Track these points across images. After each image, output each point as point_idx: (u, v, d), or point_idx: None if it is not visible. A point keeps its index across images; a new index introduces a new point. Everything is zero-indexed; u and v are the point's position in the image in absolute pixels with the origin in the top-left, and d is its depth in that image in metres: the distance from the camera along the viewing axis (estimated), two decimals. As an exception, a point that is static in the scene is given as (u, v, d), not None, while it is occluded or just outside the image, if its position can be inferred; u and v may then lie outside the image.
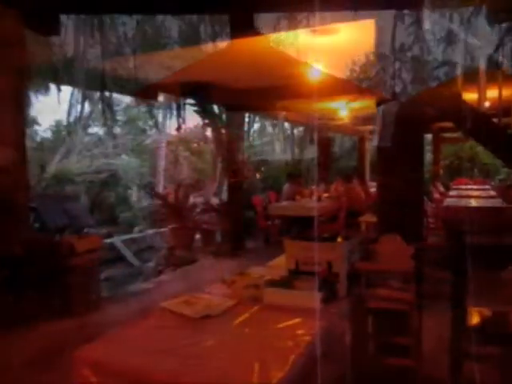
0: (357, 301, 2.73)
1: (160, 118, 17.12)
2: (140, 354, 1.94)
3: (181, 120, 12.99)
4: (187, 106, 12.20)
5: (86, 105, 15.35)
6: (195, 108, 9.37)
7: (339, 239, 2.87)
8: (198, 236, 8.17)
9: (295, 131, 13.09)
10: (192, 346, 1.97)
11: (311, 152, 12.56)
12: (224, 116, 9.07)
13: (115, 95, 14.03)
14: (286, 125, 13.48)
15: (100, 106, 14.24)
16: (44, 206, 7.93)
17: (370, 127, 10.78)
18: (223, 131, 9.37)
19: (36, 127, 15.61)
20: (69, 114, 15.66)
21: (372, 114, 5.91)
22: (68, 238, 4.74)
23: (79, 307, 4.49)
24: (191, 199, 9.02)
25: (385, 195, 3.34)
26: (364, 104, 7.98)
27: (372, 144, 11.33)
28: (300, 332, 2.09)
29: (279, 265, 3.14)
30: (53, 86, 13.55)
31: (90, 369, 1.91)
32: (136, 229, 11.05)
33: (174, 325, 2.23)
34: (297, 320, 2.22)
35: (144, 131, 19.00)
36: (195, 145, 17.23)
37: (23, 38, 4.42)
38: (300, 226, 6.42)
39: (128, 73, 5.89)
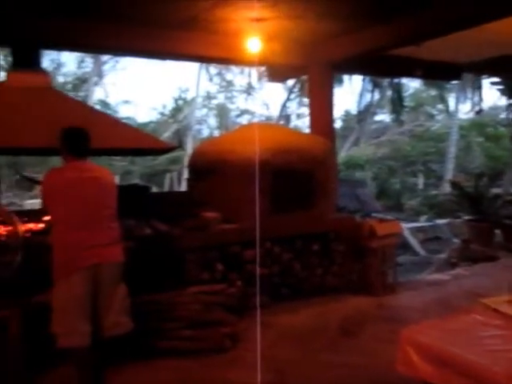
0: None
1: (451, 101, 16.07)
2: (466, 346, 1.88)
3: (480, 102, 11.84)
4: (487, 86, 11.02)
5: (376, 93, 15.78)
6: (500, 86, 8.34)
7: None
8: (497, 231, 7.32)
9: None
10: (531, 352, 1.77)
11: None
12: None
13: (404, 81, 13.90)
14: None
15: (389, 93, 14.40)
16: (339, 190, 8.65)
17: None
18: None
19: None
20: (359, 103, 16.45)
21: None
22: (369, 221, 4.98)
23: (376, 287, 4.68)
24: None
25: None
26: None
27: None
28: None
29: None
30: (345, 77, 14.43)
31: (413, 348, 2.00)
32: (422, 217, 10.78)
33: (502, 324, 2.05)
34: None
35: (432, 116, 18.24)
36: (491, 129, 15.45)
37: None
38: None
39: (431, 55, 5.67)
